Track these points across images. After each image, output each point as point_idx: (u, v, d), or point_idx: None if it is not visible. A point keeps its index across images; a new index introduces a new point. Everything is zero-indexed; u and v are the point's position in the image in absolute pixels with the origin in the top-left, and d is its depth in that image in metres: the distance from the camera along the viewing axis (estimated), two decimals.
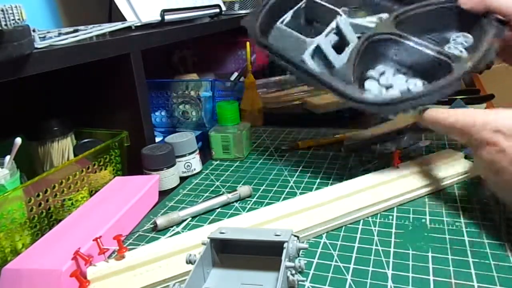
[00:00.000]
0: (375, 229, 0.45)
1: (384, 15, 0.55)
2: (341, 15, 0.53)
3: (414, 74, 0.51)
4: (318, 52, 0.51)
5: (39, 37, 0.52)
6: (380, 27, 0.53)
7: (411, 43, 0.50)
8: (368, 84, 0.50)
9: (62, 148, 0.62)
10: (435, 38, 0.54)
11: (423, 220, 0.46)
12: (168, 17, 0.72)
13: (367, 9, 0.58)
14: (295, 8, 0.57)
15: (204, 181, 0.62)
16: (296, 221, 0.46)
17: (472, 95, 0.84)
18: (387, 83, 0.50)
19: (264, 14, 0.56)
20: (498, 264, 0.38)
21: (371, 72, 0.51)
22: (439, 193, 0.52)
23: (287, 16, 0.56)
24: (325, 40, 0.51)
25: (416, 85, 0.49)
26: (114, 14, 0.75)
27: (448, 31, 0.53)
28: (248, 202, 0.54)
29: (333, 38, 0.52)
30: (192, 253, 0.36)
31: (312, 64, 0.50)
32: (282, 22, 0.55)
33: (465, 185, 0.53)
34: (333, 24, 0.52)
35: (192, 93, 0.75)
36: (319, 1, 0.56)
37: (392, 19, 0.52)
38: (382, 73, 0.51)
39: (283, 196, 0.55)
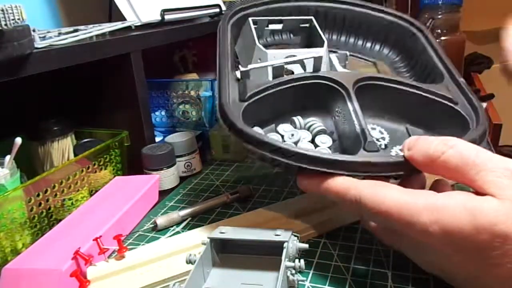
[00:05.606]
0: None
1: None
2: None
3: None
4: None
5: (39, 37, 0.52)
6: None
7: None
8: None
9: (62, 148, 0.62)
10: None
11: None
12: (168, 17, 0.71)
13: None
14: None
15: (204, 181, 0.62)
16: None
17: None
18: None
19: None
20: None
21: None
22: None
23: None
24: None
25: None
26: (114, 14, 0.75)
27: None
28: (248, 202, 0.54)
29: None
30: (192, 253, 0.36)
31: None
32: None
33: None
34: None
35: (192, 93, 0.75)
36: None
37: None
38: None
39: (283, 196, 0.55)
